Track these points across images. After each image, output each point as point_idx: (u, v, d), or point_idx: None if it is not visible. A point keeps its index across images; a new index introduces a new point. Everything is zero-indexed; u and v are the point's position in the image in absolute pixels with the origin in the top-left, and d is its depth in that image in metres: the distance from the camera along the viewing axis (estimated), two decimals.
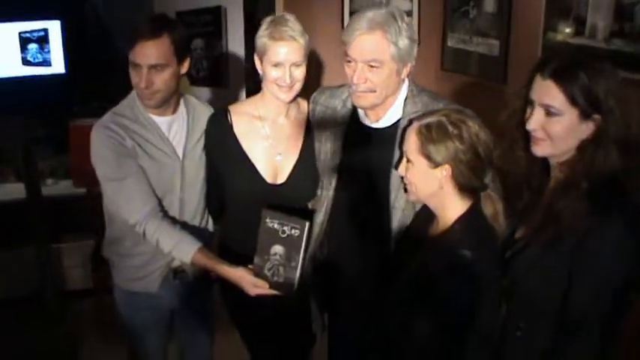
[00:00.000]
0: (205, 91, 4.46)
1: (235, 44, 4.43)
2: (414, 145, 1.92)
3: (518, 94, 1.80)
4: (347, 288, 2.38)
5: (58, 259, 4.22)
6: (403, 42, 2.08)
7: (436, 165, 1.89)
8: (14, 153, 3.99)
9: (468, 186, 1.91)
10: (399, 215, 2.19)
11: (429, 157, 1.89)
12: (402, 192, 2.14)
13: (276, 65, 2.25)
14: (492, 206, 1.94)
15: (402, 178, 2.03)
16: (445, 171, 1.89)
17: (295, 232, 2.15)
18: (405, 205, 2.18)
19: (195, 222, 2.49)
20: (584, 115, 1.66)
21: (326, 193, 2.34)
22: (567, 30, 2.68)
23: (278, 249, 2.18)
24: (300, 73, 2.27)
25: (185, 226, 2.41)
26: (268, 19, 2.29)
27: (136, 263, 2.47)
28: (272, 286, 2.19)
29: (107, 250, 2.58)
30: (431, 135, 1.88)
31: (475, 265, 1.81)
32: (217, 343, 2.83)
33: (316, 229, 2.35)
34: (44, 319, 3.92)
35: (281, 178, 2.39)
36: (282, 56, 2.24)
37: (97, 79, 4.50)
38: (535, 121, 1.71)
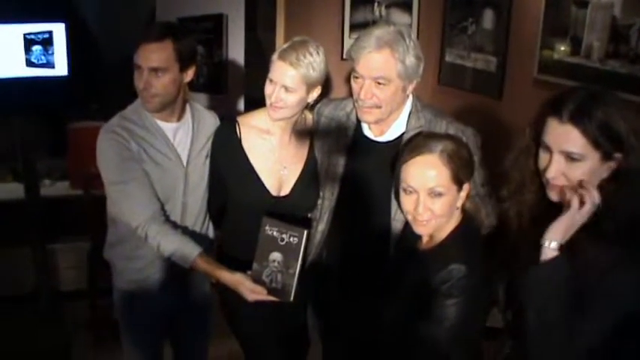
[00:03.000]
0: (204, 98, 4.48)
1: (235, 52, 4.46)
2: (444, 176, 1.91)
3: (527, 134, 1.71)
4: (344, 296, 2.41)
5: (54, 259, 4.24)
6: (410, 60, 2.13)
7: (461, 187, 1.96)
8: (13, 153, 4.00)
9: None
10: (399, 227, 2.23)
11: (459, 182, 1.94)
12: None
13: (270, 81, 2.30)
14: (477, 212, 2.05)
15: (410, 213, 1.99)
16: (465, 190, 1.96)
17: (294, 240, 2.19)
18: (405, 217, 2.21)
19: (197, 227, 2.52)
20: (607, 156, 1.58)
21: (327, 203, 2.37)
22: (563, 49, 2.72)
23: (276, 256, 2.22)
24: (290, 98, 2.28)
25: (186, 231, 2.44)
26: (295, 38, 2.33)
27: (137, 266, 2.49)
28: (270, 292, 2.23)
29: (108, 252, 2.59)
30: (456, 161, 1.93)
31: (468, 277, 1.85)
32: (213, 348, 2.84)
33: (317, 237, 2.40)
34: (39, 320, 3.92)
35: (285, 190, 2.42)
36: (276, 75, 2.28)
37: (97, 82, 4.53)
38: (555, 170, 1.61)
